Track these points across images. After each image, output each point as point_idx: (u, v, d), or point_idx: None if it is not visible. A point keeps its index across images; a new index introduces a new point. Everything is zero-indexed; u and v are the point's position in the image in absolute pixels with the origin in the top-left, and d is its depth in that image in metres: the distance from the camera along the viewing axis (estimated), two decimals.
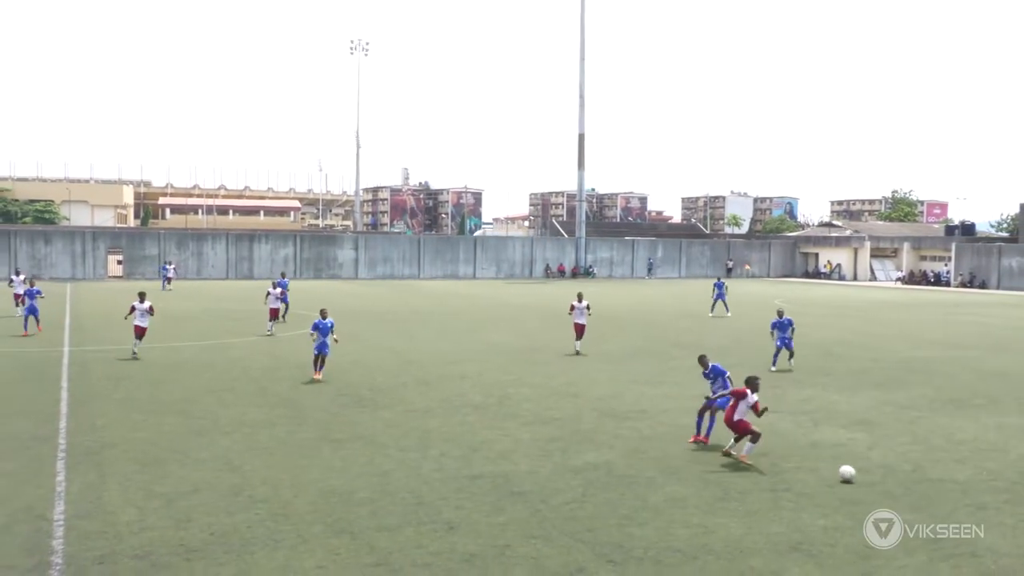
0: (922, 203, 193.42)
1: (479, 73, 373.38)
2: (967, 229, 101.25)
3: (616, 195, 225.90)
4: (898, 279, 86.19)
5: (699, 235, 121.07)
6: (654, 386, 22.57)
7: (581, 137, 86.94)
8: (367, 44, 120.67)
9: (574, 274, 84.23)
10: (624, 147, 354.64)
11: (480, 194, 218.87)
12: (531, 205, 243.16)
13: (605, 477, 13.89)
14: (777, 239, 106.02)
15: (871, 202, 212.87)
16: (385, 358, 26.91)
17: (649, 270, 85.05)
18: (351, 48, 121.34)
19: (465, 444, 15.92)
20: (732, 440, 14.91)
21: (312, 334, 22.55)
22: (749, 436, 14.34)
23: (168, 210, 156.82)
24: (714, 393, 16.07)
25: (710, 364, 16.70)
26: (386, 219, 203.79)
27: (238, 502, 12.27)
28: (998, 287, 75.37)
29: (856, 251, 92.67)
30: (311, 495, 12.67)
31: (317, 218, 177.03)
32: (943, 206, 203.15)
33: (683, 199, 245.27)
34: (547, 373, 24.30)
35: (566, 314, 30.98)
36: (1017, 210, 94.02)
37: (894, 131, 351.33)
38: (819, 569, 10.17)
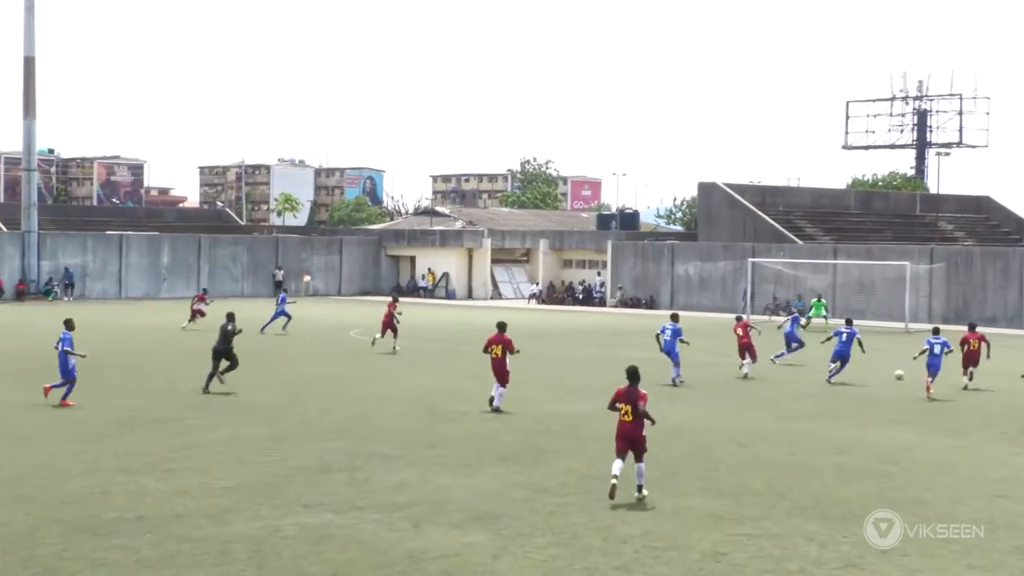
0: (565, 181, 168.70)
1: None
2: (628, 220, 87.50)
3: (92, 161, 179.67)
4: (532, 296, 74.03)
5: (231, 228, 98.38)
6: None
7: (29, 62, 65.43)
8: None
9: (20, 293, 60.57)
10: (104, 89, 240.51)
11: None
12: None
13: None
14: (353, 235, 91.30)
15: (492, 178, 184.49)
16: None
17: (68, 285, 64.10)
18: None
19: None
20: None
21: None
22: None
23: None
24: (933, 352, 24.85)
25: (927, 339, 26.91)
26: None
27: None
28: (672, 305, 61.13)
29: (471, 253, 79.00)
30: None
31: None
32: (595, 184, 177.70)
33: (202, 170, 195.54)
34: None
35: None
36: (695, 192, 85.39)
37: (523, 91, 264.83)
38: None
